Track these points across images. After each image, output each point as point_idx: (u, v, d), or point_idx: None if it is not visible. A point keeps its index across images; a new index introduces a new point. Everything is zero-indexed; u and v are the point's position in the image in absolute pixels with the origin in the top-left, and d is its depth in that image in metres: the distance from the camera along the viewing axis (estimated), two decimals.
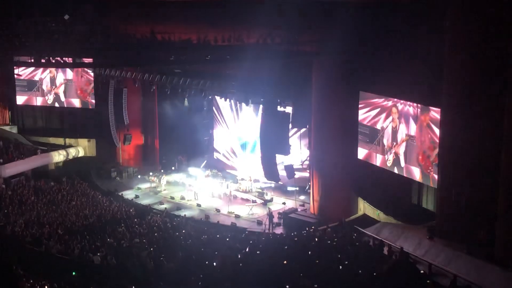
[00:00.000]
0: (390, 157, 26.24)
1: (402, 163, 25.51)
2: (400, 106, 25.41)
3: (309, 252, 19.75)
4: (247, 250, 21.04)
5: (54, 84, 39.90)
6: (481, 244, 19.00)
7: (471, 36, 19.68)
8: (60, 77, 39.66)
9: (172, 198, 34.30)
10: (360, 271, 17.01)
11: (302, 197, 33.40)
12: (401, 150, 25.49)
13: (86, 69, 37.96)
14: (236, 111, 37.42)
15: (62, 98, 39.85)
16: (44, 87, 40.05)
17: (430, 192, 24.92)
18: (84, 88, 39.44)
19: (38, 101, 40.31)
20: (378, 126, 26.84)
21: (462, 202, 20.06)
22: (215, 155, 39.81)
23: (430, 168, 23.76)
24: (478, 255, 18.46)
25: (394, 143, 25.88)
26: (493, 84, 19.21)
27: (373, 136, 27.23)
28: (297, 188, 33.34)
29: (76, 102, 39.74)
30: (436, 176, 22.80)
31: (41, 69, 39.37)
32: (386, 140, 26.43)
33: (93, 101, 39.22)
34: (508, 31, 18.33)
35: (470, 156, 19.92)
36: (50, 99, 40.05)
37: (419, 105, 24.19)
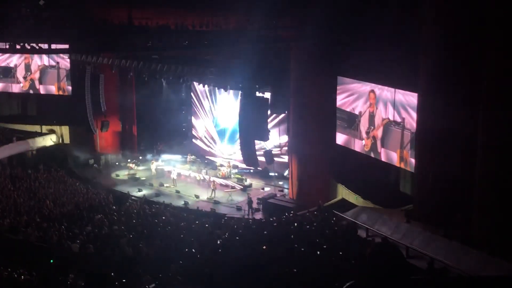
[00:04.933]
0: (368, 142, 26.41)
1: (379, 148, 25.70)
2: (377, 91, 25.54)
3: (289, 237, 19.86)
4: (226, 235, 21.09)
5: (29, 71, 39.33)
6: (457, 227, 19.25)
7: (448, 20, 19.80)
8: (35, 64, 39.09)
9: (151, 184, 34.17)
10: (339, 256, 17.17)
11: (280, 183, 33.53)
12: (379, 134, 25.66)
13: (62, 55, 37.46)
14: (214, 97, 37.32)
15: (38, 85, 39.31)
16: (18, 74, 39.45)
17: (407, 176, 25.16)
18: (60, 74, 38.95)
19: (14, 88, 39.72)
20: (356, 111, 26.97)
21: (439, 186, 20.29)
22: (194, 141, 39.73)
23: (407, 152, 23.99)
24: (455, 238, 18.71)
25: (372, 128, 26.04)
26: (470, 68, 19.36)
27: (351, 121, 27.36)
28: (276, 174, 33.46)
29: (52, 89, 39.22)
30: (413, 160, 23.03)
31: (16, 56, 38.72)
32: (364, 125, 26.58)
33: (69, 87, 38.75)
34: (486, 16, 18.46)
35: (447, 140, 20.12)
36: (25, 85, 39.48)
37: (396, 89, 24.34)
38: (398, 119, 24.39)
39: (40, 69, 39.09)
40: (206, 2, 28.41)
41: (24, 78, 39.39)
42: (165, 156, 38.26)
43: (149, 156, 38.34)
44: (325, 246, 18.46)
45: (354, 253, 17.28)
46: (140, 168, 36.79)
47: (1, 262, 17.35)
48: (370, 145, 26.32)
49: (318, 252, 17.83)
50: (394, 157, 24.99)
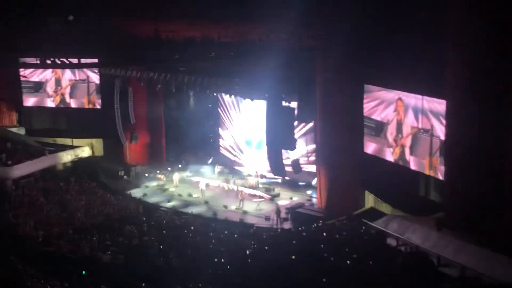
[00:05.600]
0: (397, 150, 26.24)
1: (408, 156, 25.51)
2: (405, 98, 25.39)
3: (318, 247, 19.81)
4: (255, 245, 21.12)
5: (59, 85, 40.01)
6: (489, 234, 18.98)
7: (476, 27, 19.60)
8: (65, 78, 39.74)
9: (180, 195, 34.40)
10: (370, 265, 17.06)
11: (309, 192, 33.45)
12: (408, 142, 25.48)
13: (91, 69, 38.06)
14: (241, 107, 37.46)
15: (68, 99, 39.96)
16: (49, 88, 40.15)
17: (437, 184, 24.90)
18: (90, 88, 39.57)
19: (45, 102, 40.43)
20: (384, 119, 26.83)
21: (469, 193, 20.04)
22: (221, 152, 39.91)
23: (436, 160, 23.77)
24: (487, 245, 18.43)
25: (400, 136, 25.87)
26: (499, 74, 19.14)
27: (379, 129, 27.23)
28: (304, 183, 33.40)
29: (82, 103, 39.82)
30: (442, 168, 22.79)
31: (46, 71, 39.43)
32: (391, 133, 26.43)
33: (99, 101, 39.32)
34: None
35: (476, 147, 19.87)
36: (56, 100, 40.16)
37: (424, 96, 24.16)
38: (427, 127, 24.20)
39: (70, 84, 39.69)
40: (231, 14, 28.60)
41: (55, 92, 40.08)
42: (193, 167, 38.49)
43: (170, 168, 38.55)
44: (354, 256, 18.36)
45: (384, 262, 17.16)
46: (169, 179, 37.00)
47: (34, 274, 17.63)
48: (399, 154, 26.15)
49: (348, 262, 17.74)
50: (423, 165, 24.77)
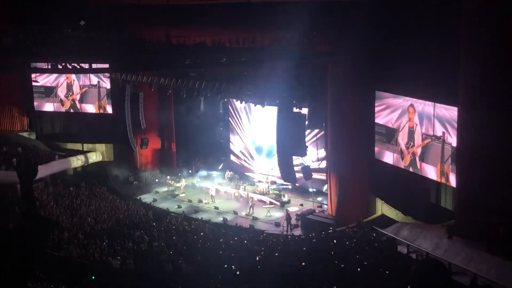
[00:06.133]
0: (408, 157, 26.09)
1: (419, 163, 25.35)
2: (416, 105, 25.25)
3: (328, 254, 19.70)
4: (265, 252, 21.03)
5: (71, 90, 40.17)
6: (500, 242, 18.81)
7: (488, 34, 19.50)
8: (76, 83, 39.89)
9: (190, 201, 34.39)
10: (380, 272, 16.93)
11: (319, 198, 33.33)
12: (419, 151, 25.33)
13: (102, 74, 38.22)
14: (252, 113, 37.45)
15: (79, 104, 40.10)
16: (60, 93, 40.33)
17: (448, 191, 24.74)
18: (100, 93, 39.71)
19: (56, 107, 40.61)
20: (395, 126, 26.70)
21: (481, 201, 19.88)
22: (232, 157, 39.88)
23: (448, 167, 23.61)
24: (498, 253, 18.27)
25: (411, 143, 25.73)
26: (509, 83, 19.01)
27: (390, 136, 27.09)
28: (315, 189, 33.30)
29: (93, 108, 39.97)
30: (454, 175, 22.63)
31: (58, 76, 39.61)
32: (403, 140, 26.29)
33: (110, 106, 39.44)
34: None
35: (488, 154, 19.73)
36: (67, 105, 40.33)
37: (435, 103, 24.02)
38: (438, 134, 24.05)
39: (82, 90, 39.82)
40: (242, 19, 28.63)
41: (66, 97, 40.25)
42: (203, 173, 38.52)
43: (180, 173, 38.54)
44: (365, 263, 18.24)
45: (395, 269, 17.03)
46: (179, 184, 37.01)
47: (44, 279, 17.64)
48: (409, 161, 25.99)
49: (359, 269, 17.62)
50: (434, 172, 24.61)
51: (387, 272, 17.01)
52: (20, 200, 3.91)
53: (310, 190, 33.38)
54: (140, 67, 32.24)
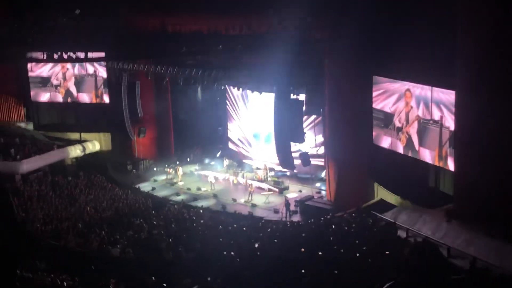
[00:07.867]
0: (403, 138, 26.04)
1: (417, 147, 25.35)
2: (414, 90, 25.20)
3: (327, 239, 19.72)
4: (264, 238, 21.06)
5: (65, 79, 40.00)
6: (500, 226, 18.84)
7: (486, 17, 19.40)
8: (72, 73, 39.71)
9: (189, 189, 34.40)
10: (379, 257, 16.95)
11: (318, 184, 33.37)
12: (412, 130, 25.30)
13: (98, 63, 38.07)
14: (249, 100, 37.38)
15: (75, 93, 39.95)
16: (56, 83, 40.14)
17: (447, 175, 24.75)
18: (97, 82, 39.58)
19: (52, 97, 40.45)
20: (392, 110, 26.66)
21: (480, 184, 19.90)
22: (230, 145, 39.87)
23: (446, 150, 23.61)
24: (497, 237, 18.32)
25: (405, 123, 25.73)
26: (507, 66, 18.94)
27: (388, 120, 27.07)
28: (313, 176, 33.32)
29: (90, 97, 39.83)
30: (452, 159, 22.63)
31: (53, 65, 39.41)
32: (399, 123, 26.27)
33: (107, 95, 39.31)
34: None
35: (487, 137, 19.72)
36: (62, 93, 40.15)
37: (433, 87, 23.97)
38: (436, 117, 24.02)
39: (76, 78, 39.66)
40: (238, 6, 28.47)
41: (62, 87, 40.08)
42: (201, 160, 38.51)
43: (178, 161, 38.54)
44: (364, 248, 18.27)
45: (394, 254, 17.05)
46: (178, 173, 36.99)
47: (44, 268, 17.66)
48: (405, 142, 25.95)
49: (357, 254, 17.65)
50: (432, 156, 24.61)
51: (385, 256, 17.03)
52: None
53: (308, 176, 33.40)
54: (136, 56, 32.09)
